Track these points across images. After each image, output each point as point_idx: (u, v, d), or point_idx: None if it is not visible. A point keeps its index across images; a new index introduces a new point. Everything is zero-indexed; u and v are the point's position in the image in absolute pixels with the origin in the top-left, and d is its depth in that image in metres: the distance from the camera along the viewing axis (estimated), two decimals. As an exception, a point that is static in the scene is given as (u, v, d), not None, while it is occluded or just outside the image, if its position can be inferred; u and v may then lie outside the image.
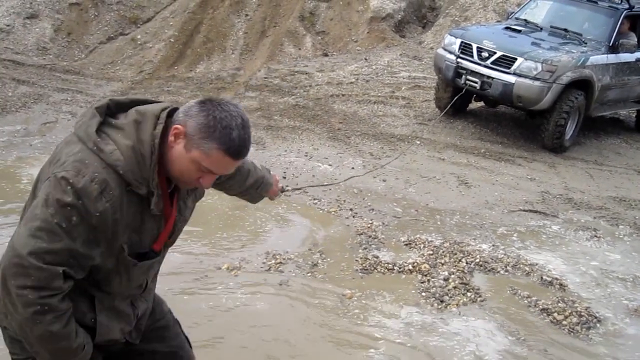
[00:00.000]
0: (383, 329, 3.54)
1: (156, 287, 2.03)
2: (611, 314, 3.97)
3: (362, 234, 4.61)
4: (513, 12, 8.12)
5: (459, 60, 6.96)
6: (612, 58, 7.12)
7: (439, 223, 4.97)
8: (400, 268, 4.19)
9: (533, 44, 6.95)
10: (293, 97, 7.83)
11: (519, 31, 7.28)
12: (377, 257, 4.29)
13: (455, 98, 7.08)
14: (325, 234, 4.60)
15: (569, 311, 3.87)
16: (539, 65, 6.53)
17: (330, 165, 5.90)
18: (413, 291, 3.95)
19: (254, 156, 4.94)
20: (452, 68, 6.97)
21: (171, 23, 9.49)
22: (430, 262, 4.27)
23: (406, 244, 4.54)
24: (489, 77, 6.74)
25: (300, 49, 9.95)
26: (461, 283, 4.05)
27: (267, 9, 10.40)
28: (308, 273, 4.03)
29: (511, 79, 6.61)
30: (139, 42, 9.12)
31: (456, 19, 11.26)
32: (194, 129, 1.57)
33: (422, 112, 7.73)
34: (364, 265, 4.17)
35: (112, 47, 8.98)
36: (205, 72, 8.71)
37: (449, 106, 7.13)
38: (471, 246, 4.58)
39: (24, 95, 6.89)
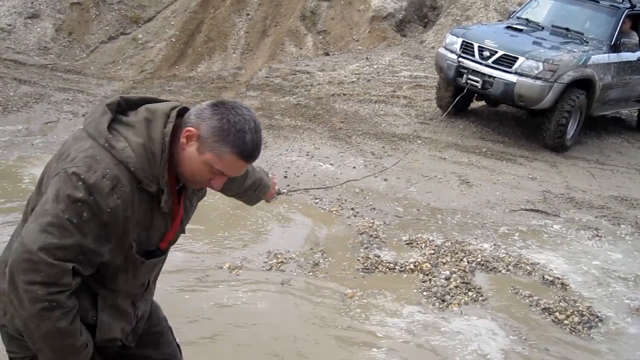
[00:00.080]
0: (385, 328, 3.54)
1: (157, 286, 2.04)
2: (613, 314, 3.96)
3: (363, 233, 4.61)
4: (514, 12, 8.11)
5: (460, 59, 6.95)
6: (613, 57, 7.11)
7: (440, 222, 4.97)
8: (401, 267, 4.19)
9: (534, 43, 6.94)
10: (294, 96, 7.83)
11: (521, 30, 7.28)
12: (379, 256, 4.29)
13: (458, 98, 7.07)
14: (326, 233, 4.60)
15: (571, 310, 3.87)
16: (541, 65, 6.52)
17: (331, 164, 5.90)
18: (414, 290, 3.95)
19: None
20: (453, 67, 6.97)
21: (172, 22, 9.49)
22: (431, 262, 4.27)
23: (407, 244, 4.54)
24: (490, 76, 6.73)
25: (301, 48, 9.95)
26: (463, 282, 4.05)
27: (268, 8, 10.40)
28: (309, 272, 4.03)
29: (512, 78, 6.60)
30: (140, 42, 9.12)
31: (457, 18, 11.27)
32: (208, 132, 1.59)
33: (424, 112, 7.72)
34: (365, 264, 4.17)
35: (113, 46, 8.99)
36: (206, 71, 8.71)
37: (451, 106, 7.11)
38: (472, 245, 4.58)
39: (26, 95, 6.90)
